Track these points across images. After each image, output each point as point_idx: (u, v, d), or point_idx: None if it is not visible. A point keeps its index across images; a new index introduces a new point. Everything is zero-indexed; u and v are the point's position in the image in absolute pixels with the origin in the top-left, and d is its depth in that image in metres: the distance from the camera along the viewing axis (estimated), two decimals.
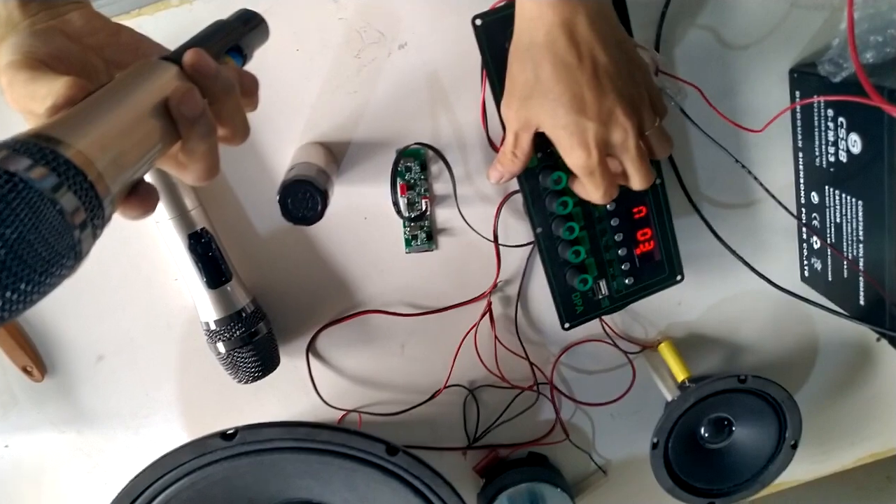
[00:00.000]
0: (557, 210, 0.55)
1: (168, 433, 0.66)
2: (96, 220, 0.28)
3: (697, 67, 0.58)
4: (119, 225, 0.57)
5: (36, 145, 0.26)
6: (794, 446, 0.67)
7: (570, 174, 0.52)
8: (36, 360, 0.62)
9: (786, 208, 0.57)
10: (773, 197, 0.58)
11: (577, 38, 0.44)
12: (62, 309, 0.61)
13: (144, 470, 0.52)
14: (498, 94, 0.52)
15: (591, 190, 0.49)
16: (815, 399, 0.73)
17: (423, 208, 0.60)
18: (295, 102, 0.57)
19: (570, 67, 0.44)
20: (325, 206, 0.49)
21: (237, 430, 0.52)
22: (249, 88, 0.39)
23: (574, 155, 0.47)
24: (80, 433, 0.66)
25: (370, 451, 0.54)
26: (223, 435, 0.52)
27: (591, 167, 0.47)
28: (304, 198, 0.48)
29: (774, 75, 0.60)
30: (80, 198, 0.26)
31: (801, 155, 0.61)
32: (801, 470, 0.75)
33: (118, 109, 0.31)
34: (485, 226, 0.61)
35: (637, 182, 0.49)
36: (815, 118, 0.57)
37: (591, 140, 0.46)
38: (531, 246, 0.62)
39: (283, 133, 0.57)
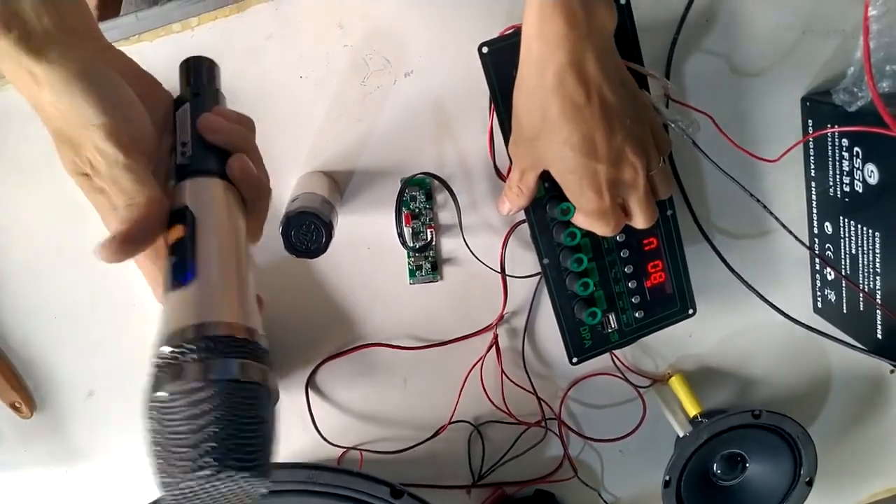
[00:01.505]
0: (565, 241, 0.53)
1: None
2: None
3: (709, 95, 0.57)
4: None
5: (250, 349, 0.30)
6: (810, 483, 0.65)
7: (575, 207, 0.51)
8: (25, 396, 0.60)
9: (798, 239, 0.56)
10: (786, 228, 0.57)
11: (585, 77, 0.43)
12: (52, 343, 0.59)
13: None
14: (505, 123, 0.50)
15: (600, 228, 0.48)
16: (829, 433, 0.71)
17: (428, 238, 0.58)
18: (298, 130, 0.55)
19: (578, 107, 0.43)
20: (329, 238, 0.47)
21: None
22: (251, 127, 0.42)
23: (585, 198, 0.46)
24: (69, 472, 0.63)
25: (374, 494, 0.52)
26: None
27: (603, 209, 0.46)
28: (308, 230, 0.47)
29: (786, 103, 0.59)
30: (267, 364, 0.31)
31: (814, 185, 0.60)
32: None
33: (244, 269, 0.35)
34: (491, 256, 0.59)
35: (642, 221, 0.48)
36: (829, 147, 0.56)
37: (602, 182, 0.45)
38: (538, 277, 0.61)
39: (285, 161, 0.56)
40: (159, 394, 0.28)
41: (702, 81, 0.57)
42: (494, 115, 0.52)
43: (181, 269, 0.32)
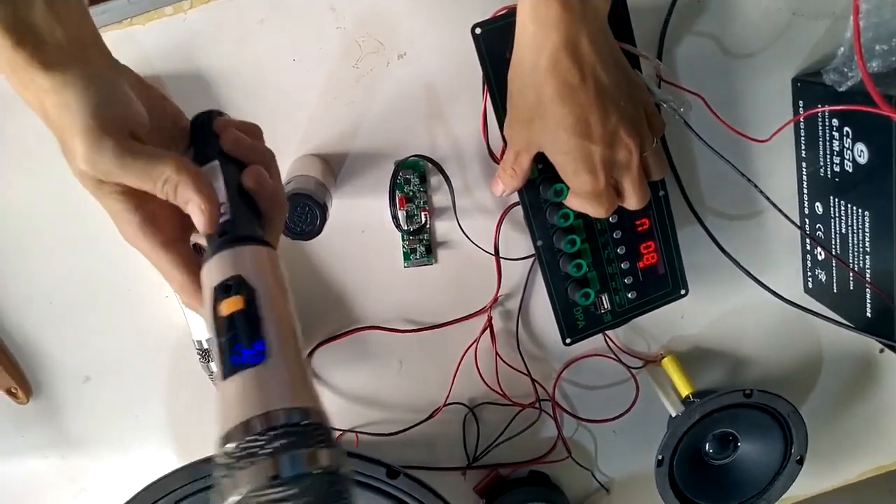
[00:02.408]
0: (558, 222, 0.53)
1: (158, 457, 0.64)
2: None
3: (700, 76, 0.58)
4: (107, 242, 0.56)
5: (328, 434, 0.29)
6: (801, 461, 0.66)
7: (569, 188, 0.51)
8: (21, 381, 0.60)
9: (789, 219, 0.56)
10: (777, 208, 0.57)
11: (580, 58, 0.43)
12: (49, 329, 0.59)
13: (136, 496, 0.50)
14: (498, 105, 0.51)
15: (594, 209, 0.48)
16: (820, 412, 0.72)
17: (423, 221, 0.59)
18: (291, 113, 0.55)
19: (573, 88, 0.43)
20: (324, 220, 0.47)
21: None
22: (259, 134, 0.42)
23: (580, 179, 0.46)
24: (64, 457, 0.63)
25: (370, 475, 0.52)
26: None
27: (598, 190, 0.46)
28: (302, 212, 0.47)
29: (777, 84, 0.59)
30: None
31: (804, 165, 0.60)
32: (804, 484, 0.74)
33: (301, 342, 0.33)
34: (485, 238, 0.60)
35: (634, 201, 0.49)
36: (820, 128, 0.56)
37: (597, 163, 0.45)
38: (532, 259, 0.61)
39: (279, 145, 0.55)
40: (250, 489, 0.27)
41: (693, 63, 0.58)
42: (488, 97, 0.52)
43: (247, 348, 0.30)
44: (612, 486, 0.71)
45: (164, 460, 0.64)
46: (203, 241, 0.36)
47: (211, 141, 0.38)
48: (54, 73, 0.33)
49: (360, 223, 0.59)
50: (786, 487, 0.67)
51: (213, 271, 0.33)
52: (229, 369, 0.30)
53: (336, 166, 0.57)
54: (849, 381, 0.71)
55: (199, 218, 0.34)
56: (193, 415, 0.63)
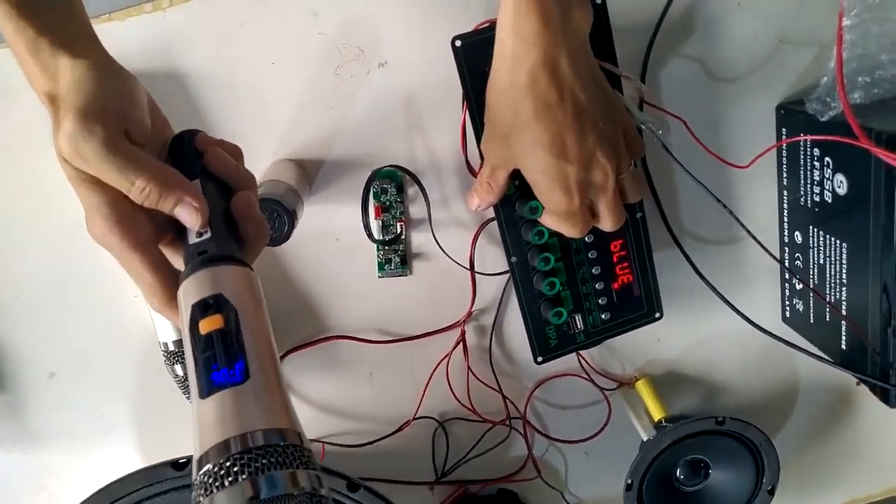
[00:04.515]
0: (533, 240, 0.53)
1: (122, 455, 0.63)
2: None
3: (684, 99, 0.57)
4: (77, 239, 0.55)
5: (308, 455, 0.29)
6: (771, 492, 0.65)
7: (544, 206, 0.51)
8: None
9: (767, 250, 0.56)
10: (755, 238, 0.57)
11: (559, 77, 0.43)
12: (13, 323, 0.58)
13: (91, 497, 0.49)
14: (477, 119, 0.50)
15: (567, 229, 0.48)
16: (794, 442, 0.71)
17: (398, 232, 0.58)
18: (269, 117, 0.55)
19: (550, 107, 0.43)
20: (292, 227, 0.47)
21: (189, 459, 0.49)
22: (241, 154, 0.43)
23: (554, 199, 0.46)
24: (26, 453, 0.62)
25: (331, 488, 0.51)
26: (174, 464, 0.49)
27: (571, 211, 0.46)
28: (270, 217, 0.46)
29: (761, 110, 0.59)
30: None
31: (785, 193, 0.60)
32: None
33: (279, 362, 0.32)
34: (460, 252, 0.59)
35: (609, 224, 0.48)
36: (801, 156, 0.56)
37: (572, 184, 0.44)
38: (507, 275, 0.60)
39: (256, 148, 0.55)
40: None
41: (677, 85, 0.57)
42: (467, 111, 0.52)
43: (227, 367, 0.30)
44: None
45: (129, 460, 0.63)
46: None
47: (192, 158, 0.38)
48: (67, 53, 0.35)
49: (335, 231, 0.58)
50: None
51: (192, 289, 0.33)
52: (207, 389, 0.30)
53: (312, 172, 0.57)
54: (824, 412, 0.71)
55: (191, 216, 0.35)
56: (159, 415, 0.62)
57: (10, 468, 0.63)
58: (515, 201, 0.52)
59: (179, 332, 0.54)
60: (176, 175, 0.36)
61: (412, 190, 0.58)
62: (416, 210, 0.59)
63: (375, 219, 0.57)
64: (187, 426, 0.63)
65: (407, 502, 0.62)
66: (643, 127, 0.50)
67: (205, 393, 0.30)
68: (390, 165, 0.56)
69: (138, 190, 0.34)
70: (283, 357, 0.61)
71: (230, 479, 0.27)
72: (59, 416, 0.61)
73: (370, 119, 0.56)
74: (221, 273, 0.33)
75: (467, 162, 0.55)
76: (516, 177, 0.50)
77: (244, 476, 0.27)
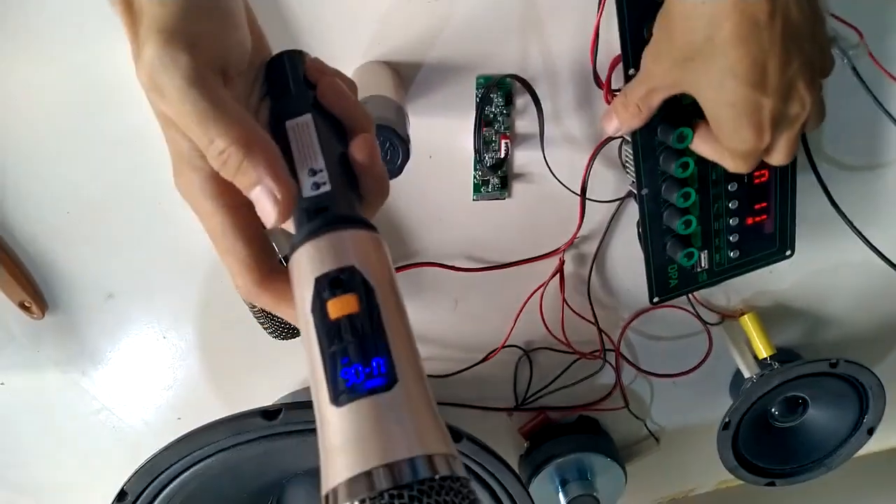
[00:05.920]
0: (676, 172, 0.45)
1: (184, 380, 0.59)
2: None
3: (854, 5, 0.48)
4: (139, 147, 0.47)
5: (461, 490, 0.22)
6: (871, 432, 0.62)
7: (695, 130, 0.43)
8: (35, 295, 0.53)
9: None
10: None
11: None
12: (67, 240, 0.52)
13: (174, 443, 0.45)
14: (626, 23, 0.41)
15: (736, 165, 0.40)
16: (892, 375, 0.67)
17: (501, 149, 0.50)
18: (360, 11, 0.45)
19: (757, 27, 0.34)
20: (406, 158, 0.39)
21: (281, 408, 0.44)
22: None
23: (740, 136, 0.37)
24: (85, 374, 0.58)
25: None
26: (264, 413, 0.44)
27: (758, 150, 0.38)
28: (382, 149, 0.38)
29: None
30: None
31: None
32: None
33: (421, 365, 0.25)
34: (568, 174, 0.52)
35: (782, 158, 0.41)
36: None
37: (765, 119, 0.36)
38: (618, 203, 0.54)
39: (343, 48, 0.46)
40: None
41: None
42: (604, 11, 0.42)
43: (366, 366, 0.23)
44: (663, 437, 0.68)
45: (191, 383, 0.59)
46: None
47: (301, 89, 0.29)
48: None
49: (429, 147, 0.51)
50: (849, 455, 0.63)
51: (314, 258, 0.25)
52: (343, 394, 0.23)
53: (406, 77, 0.48)
54: None
55: (269, 208, 0.26)
56: (224, 342, 0.57)
57: (69, 387, 0.58)
58: (658, 126, 0.44)
59: None
60: (268, 146, 0.26)
61: (521, 101, 0.50)
62: (522, 125, 0.51)
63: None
64: (254, 355, 0.58)
65: (483, 427, 0.59)
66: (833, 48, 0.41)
67: (338, 399, 0.23)
68: (501, 73, 0.47)
69: (216, 150, 0.26)
70: None
71: None
72: (119, 338, 0.57)
73: (478, 17, 0.46)
74: (350, 239, 0.25)
75: (595, 73, 0.47)
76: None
77: None
